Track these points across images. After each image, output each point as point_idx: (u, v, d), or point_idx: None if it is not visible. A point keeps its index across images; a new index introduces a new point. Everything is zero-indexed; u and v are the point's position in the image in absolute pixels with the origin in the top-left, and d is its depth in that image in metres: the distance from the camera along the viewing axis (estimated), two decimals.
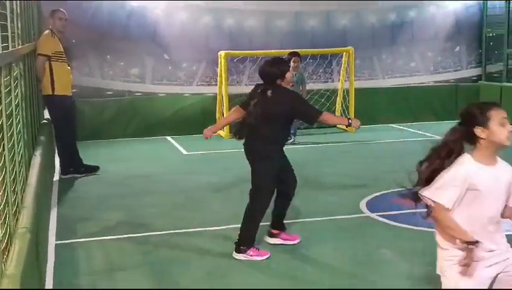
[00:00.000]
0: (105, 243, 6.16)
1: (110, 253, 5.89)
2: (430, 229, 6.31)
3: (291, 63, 11.09)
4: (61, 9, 9.08)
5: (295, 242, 5.98)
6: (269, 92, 5.72)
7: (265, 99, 5.70)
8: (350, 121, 5.84)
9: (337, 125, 13.01)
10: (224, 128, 12.09)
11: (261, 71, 5.87)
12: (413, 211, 7.09)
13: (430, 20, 13.87)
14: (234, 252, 5.70)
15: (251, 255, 5.64)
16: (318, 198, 7.68)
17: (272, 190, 5.78)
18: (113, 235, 6.37)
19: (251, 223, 5.74)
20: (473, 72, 14.30)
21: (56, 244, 6.11)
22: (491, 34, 14.10)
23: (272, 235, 6.02)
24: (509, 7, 13.40)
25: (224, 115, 12.11)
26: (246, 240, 5.70)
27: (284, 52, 12.30)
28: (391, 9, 13.62)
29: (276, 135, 5.79)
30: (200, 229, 6.53)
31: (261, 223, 5.78)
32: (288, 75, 5.80)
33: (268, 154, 5.71)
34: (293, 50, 11.55)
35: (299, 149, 10.82)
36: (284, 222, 6.07)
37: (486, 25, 14.04)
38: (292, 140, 11.24)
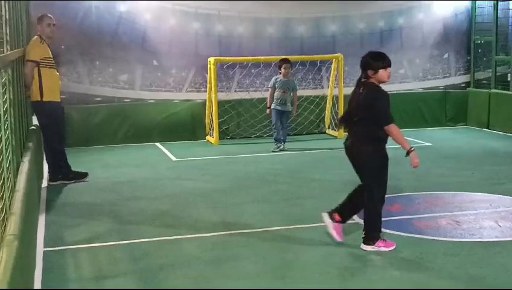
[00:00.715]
0: (94, 250, 6.13)
1: (99, 260, 5.87)
2: (419, 236, 6.35)
3: (282, 70, 11.19)
4: (49, 15, 9.05)
5: (339, 240, 6.03)
6: (361, 89, 5.82)
7: (358, 96, 5.81)
8: (411, 150, 5.73)
9: (327, 132, 13.08)
10: (214, 134, 12.10)
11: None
12: (402, 217, 7.17)
13: (418, 27, 13.93)
14: (362, 244, 5.91)
15: (379, 247, 5.86)
16: (307, 204, 7.68)
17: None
18: (102, 242, 6.35)
19: (375, 215, 5.90)
20: (462, 78, 14.37)
21: (44, 251, 6.08)
22: (479, 41, 14.18)
23: (331, 217, 6.07)
24: (497, 15, 13.49)
25: (214, 122, 12.13)
26: (373, 232, 5.89)
27: (274, 58, 12.35)
28: (380, 16, 13.67)
29: (373, 133, 5.74)
30: (188, 236, 6.51)
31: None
32: (382, 72, 5.74)
33: (375, 153, 5.78)
34: (284, 57, 11.61)
35: (289, 155, 10.84)
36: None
37: (475, 32, 14.12)
38: (281, 147, 11.27)
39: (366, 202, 5.89)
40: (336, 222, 6.04)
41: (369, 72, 5.79)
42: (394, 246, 5.91)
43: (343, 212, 6.07)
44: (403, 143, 5.69)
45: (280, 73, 11.31)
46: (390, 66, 5.83)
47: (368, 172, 5.84)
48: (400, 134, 5.68)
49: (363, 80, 5.88)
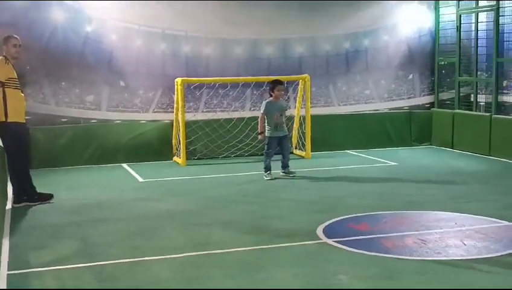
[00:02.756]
0: (60, 273, 6.04)
1: (65, 283, 5.78)
2: (386, 255, 6.40)
3: (275, 92, 10.53)
4: (15, 35, 8.98)
5: None
6: None
7: None
8: None
9: (294, 152, 13.13)
10: (181, 155, 12.06)
11: None
12: (370, 236, 7.21)
13: (383, 49, 14.13)
14: None
15: None
16: (274, 224, 7.69)
17: None
18: (68, 265, 6.26)
19: None
20: (426, 99, 14.58)
21: (8, 274, 5.97)
22: (443, 62, 14.42)
23: None
24: (460, 37, 13.74)
25: (181, 142, 12.08)
26: None
27: (241, 79, 12.43)
28: (345, 38, 13.83)
29: None
30: (157, 257, 6.46)
31: None
32: None
33: None
34: (276, 77, 11.29)
35: (257, 175, 10.83)
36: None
37: (439, 53, 14.37)
38: (270, 177, 10.60)
39: None
40: None
41: None
42: None
43: None
44: None
45: (271, 96, 10.63)
46: None
47: None
48: None
49: None
